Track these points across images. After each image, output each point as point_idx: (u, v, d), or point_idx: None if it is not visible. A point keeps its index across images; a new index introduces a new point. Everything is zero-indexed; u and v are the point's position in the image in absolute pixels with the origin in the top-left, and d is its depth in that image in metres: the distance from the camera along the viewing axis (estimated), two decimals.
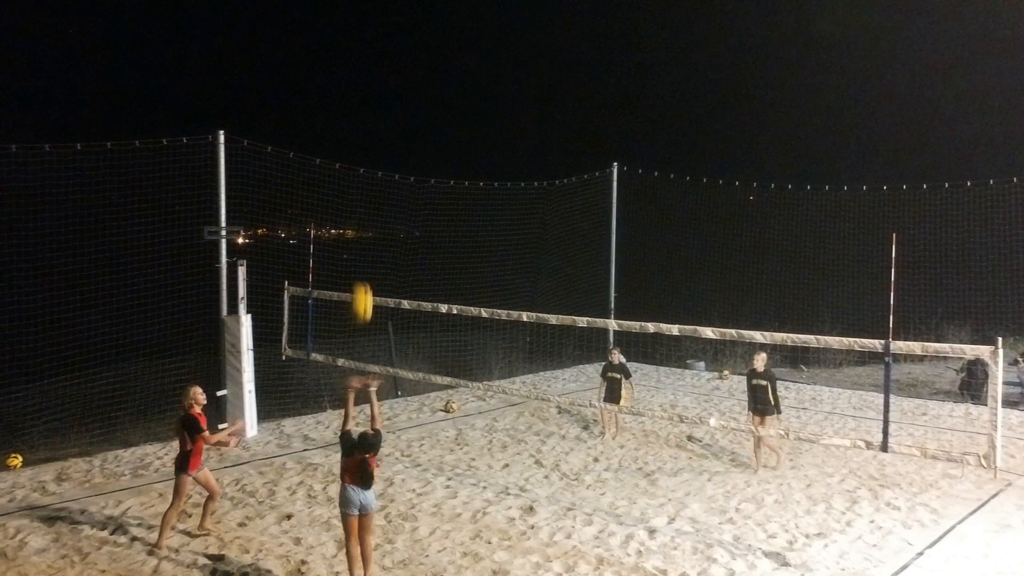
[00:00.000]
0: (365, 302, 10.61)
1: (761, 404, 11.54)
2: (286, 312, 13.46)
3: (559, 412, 15.35)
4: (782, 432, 10.22)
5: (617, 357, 13.66)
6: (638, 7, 51.96)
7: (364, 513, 7.46)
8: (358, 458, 7.47)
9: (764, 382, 11.60)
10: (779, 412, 11.66)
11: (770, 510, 10.02)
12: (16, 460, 11.57)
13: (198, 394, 8.81)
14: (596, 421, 14.13)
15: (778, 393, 11.68)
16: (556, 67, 61.17)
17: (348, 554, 7.54)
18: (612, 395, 13.34)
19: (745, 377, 12.18)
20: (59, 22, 57.52)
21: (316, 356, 13.35)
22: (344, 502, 7.50)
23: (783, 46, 44.71)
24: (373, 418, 7.79)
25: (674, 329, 9.81)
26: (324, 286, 13.62)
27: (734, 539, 9.05)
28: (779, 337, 9.41)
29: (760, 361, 11.75)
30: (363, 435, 7.57)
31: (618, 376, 13.40)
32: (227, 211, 13.67)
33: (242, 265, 13.42)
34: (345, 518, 7.51)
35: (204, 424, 8.69)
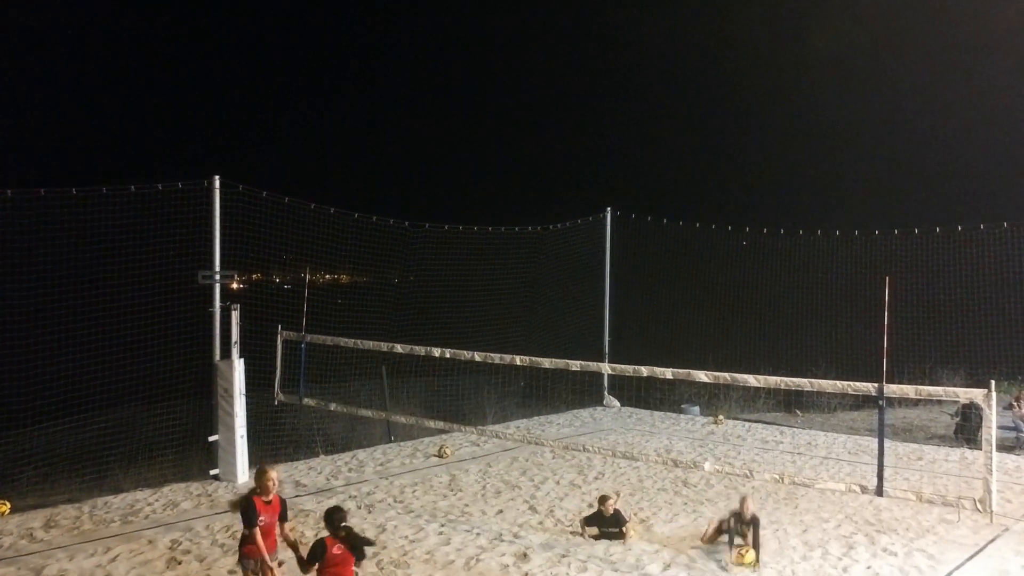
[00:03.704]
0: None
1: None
2: (279, 357, 13.43)
3: (553, 457, 15.24)
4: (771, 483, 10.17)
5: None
6: (632, 52, 52.78)
7: None
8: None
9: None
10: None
11: (766, 556, 9.91)
12: (4, 507, 11.43)
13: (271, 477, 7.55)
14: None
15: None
16: (550, 112, 61.90)
17: None
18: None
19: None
20: (54, 67, 58.20)
21: (308, 401, 13.30)
22: None
23: (777, 93, 45.37)
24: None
25: (668, 373, 9.81)
26: (318, 331, 13.61)
27: None
28: (773, 380, 9.42)
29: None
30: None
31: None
32: (221, 255, 13.71)
33: (235, 309, 13.43)
34: None
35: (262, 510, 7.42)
